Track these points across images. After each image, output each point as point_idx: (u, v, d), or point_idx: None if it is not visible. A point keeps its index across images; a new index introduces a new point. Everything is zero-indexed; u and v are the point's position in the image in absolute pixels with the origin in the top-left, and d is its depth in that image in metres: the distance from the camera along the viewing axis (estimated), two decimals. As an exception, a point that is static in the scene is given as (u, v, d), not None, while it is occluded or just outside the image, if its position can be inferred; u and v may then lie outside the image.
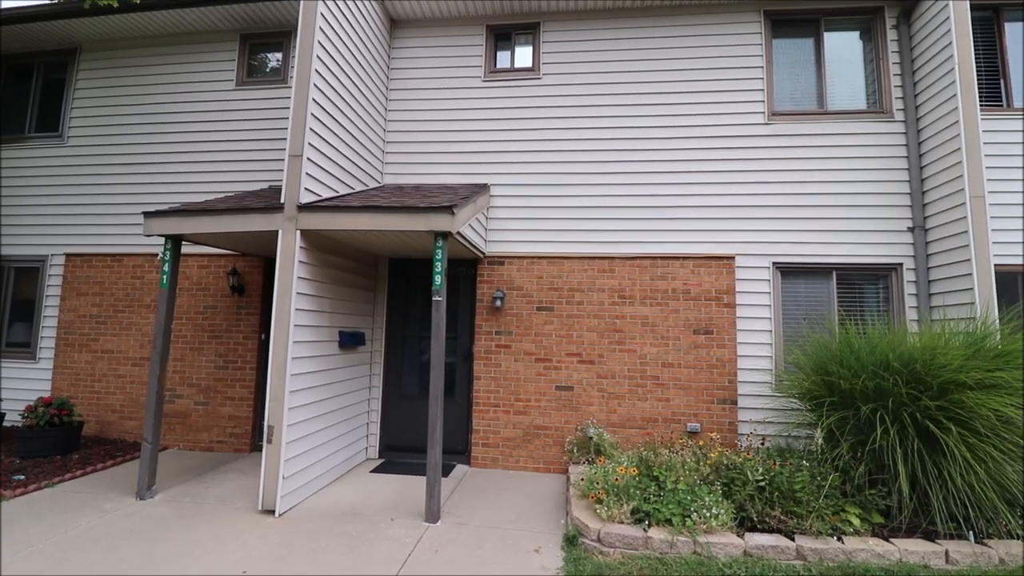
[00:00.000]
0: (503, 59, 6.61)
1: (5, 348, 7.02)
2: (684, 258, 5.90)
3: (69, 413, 5.88)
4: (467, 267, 6.28)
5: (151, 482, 4.75)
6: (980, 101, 5.41)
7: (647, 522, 3.89)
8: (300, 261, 4.68)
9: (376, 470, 5.73)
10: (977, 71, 5.43)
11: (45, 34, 7.14)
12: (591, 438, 5.43)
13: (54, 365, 6.78)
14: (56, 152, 7.16)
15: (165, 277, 4.96)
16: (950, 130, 5.27)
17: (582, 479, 4.57)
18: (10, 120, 7.50)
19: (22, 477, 5.01)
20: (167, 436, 6.33)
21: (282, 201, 4.70)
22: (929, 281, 5.55)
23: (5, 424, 6.51)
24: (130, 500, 4.64)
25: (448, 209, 4.52)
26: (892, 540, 3.75)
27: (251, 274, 6.47)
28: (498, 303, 6.01)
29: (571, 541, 3.92)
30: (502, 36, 6.62)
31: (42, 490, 4.81)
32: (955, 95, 5.18)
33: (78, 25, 6.90)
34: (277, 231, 4.68)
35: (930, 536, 3.82)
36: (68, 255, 6.94)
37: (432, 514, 4.33)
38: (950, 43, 5.26)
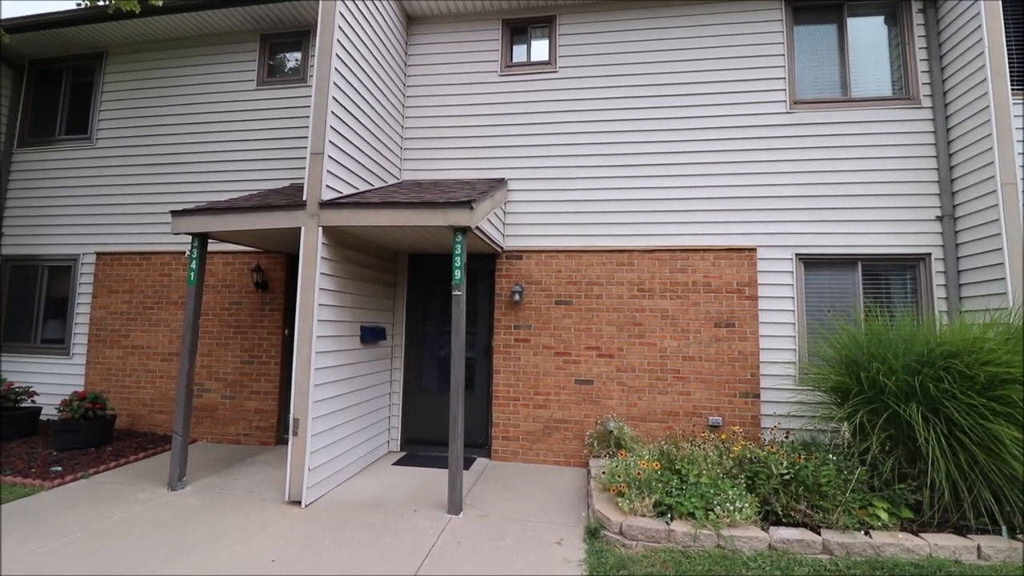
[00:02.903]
0: (519, 53, 6.60)
1: (40, 344, 7.26)
2: (705, 250, 5.84)
3: (102, 407, 6.06)
4: (485, 262, 6.31)
5: (182, 473, 4.88)
6: (1012, 85, 5.27)
7: (669, 515, 3.87)
8: (322, 257, 4.75)
9: (398, 463, 5.80)
10: (1008, 54, 5.28)
11: (73, 39, 7.34)
12: (611, 432, 5.42)
13: (87, 360, 7.00)
14: (85, 154, 7.36)
15: (192, 274, 5.08)
16: (980, 115, 5.13)
17: (603, 472, 4.57)
18: (41, 123, 7.73)
19: (59, 468, 5.19)
20: (195, 429, 6.50)
21: (304, 198, 4.76)
22: (959, 271, 5.41)
23: (41, 418, 6.74)
24: (162, 491, 4.77)
25: (467, 204, 4.54)
26: (922, 535, 3.68)
27: (274, 271, 6.58)
28: (517, 297, 6.02)
29: (593, 534, 3.93)
30: (518, 30, 6.61)
31: (78, 481, 4.98)
32: (985, 79, 5.05)
33: (104, 29, 7.07)
34: (300, 228, 4.75)
35: (961, 531, 3.74)
36: (99, 254, 7.15)
37: (454, 506, 4.38)
38: (980, 26, 5.13)
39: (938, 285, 5.48)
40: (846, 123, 5.80)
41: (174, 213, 5.09)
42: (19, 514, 4.19)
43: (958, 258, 5.43)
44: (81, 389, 6.67)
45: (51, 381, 7.00)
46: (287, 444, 4.58)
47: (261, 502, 4.56)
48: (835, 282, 5.70)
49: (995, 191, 4.93)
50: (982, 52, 5.09)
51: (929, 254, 5.54)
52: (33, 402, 6.58)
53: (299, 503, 4.46)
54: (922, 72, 5.77)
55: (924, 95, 5.74)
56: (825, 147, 5.79)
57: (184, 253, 6.80)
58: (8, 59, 7.65)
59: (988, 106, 5.01)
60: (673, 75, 6.12)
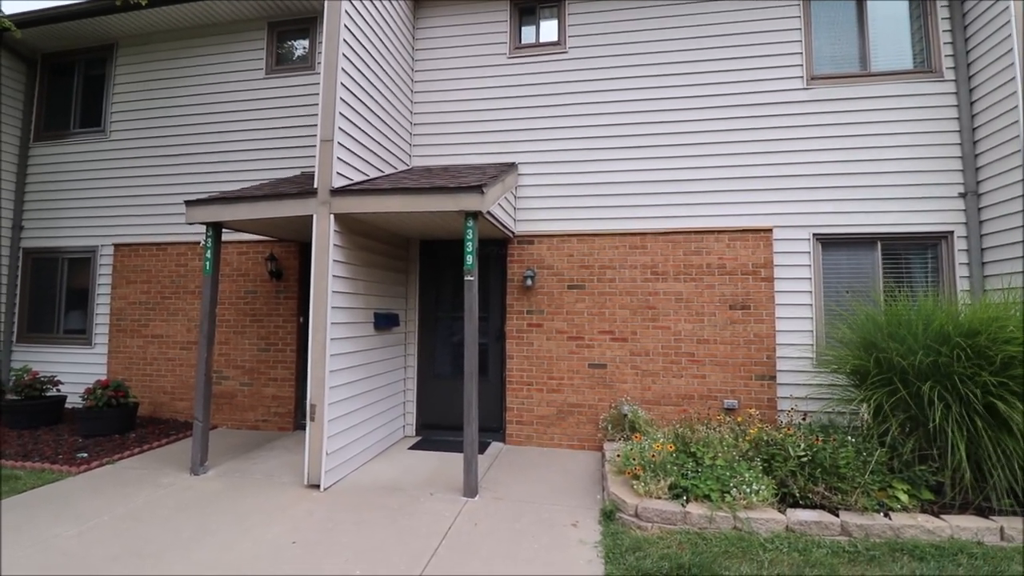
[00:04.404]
0: (528, 34, 6.49)
1: (63, 335, 7.43)
2: (719, 232, 5.76)
3: (125, 395, 6.19)
4: (497, 247, 6.29)
5: (203, 458, 4.98)
6: (1041, 55, 5.07)
7: (685, 498, 3.87)
8: (335, 244, 4.76)
9: (414, 447, 5.87)
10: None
11: (83, 31, 7.37)
12: (626, 415, 5.42)
13: (108, 350, 7.15)
14: (100, 146, 7.44)
15: (208, 263, 5.12)
16: (1006, 88, 4.96)
17: (618, 455, 4.57)
18: (55, 117, 7.82)
19: (85, 455, 5.33)
20: (215, 416, 6.62)
21: (315, 186, 4.77)
22: (982, 249, 5.28)
23: (66, 406, 6.91)
24: (184, 475, 4.88)
25: (477, 188, 4.51)
26: (943, 516, 3.63)
27: (288, 259, 6.63)
28: (529, 282, 6.00)
29: (608, 516, 3.94)
30: (526, 10, 6.50)
31: (103, 467, 5.11)
32: (1011, 49, 4.88)
33: (114, 21, 7.09)
34: (312, 216, 4.77)
35: (983, 513, 3.69)
36: (116, 245, 7.25)
37: (470, 489, 4.42)
38: (1007, -7, 4.93)
39: (960, 264, 5.35)
40: (865, 98, 5.64)
41: (188, 203, 5.13)
42: (48, 499, 4.31)
43: (982, 235, 5.29)
44: (104, 378, 6.82)
45: (75, 370, 7.16)
46: (305, 429, 4.64)
47: (281, 486, 4.64)
48: (854, 262, 5.59)
49: (1021, 166, 4.77)
50: (1008, 21, 4.90)
51: (952, 232, 5.40)
52: (58, 391, 6.73)
53: (318, 487, 4.53)
54: (945, 44, 5.58)
55: (947, 68, 5.55)
56: (843, 123, 5.65)
57: (199, 243, 6.87)
58: (21, 54, 7.72)
59: (1014, 78, 4.84)
60: (685, 52, 5.98)
